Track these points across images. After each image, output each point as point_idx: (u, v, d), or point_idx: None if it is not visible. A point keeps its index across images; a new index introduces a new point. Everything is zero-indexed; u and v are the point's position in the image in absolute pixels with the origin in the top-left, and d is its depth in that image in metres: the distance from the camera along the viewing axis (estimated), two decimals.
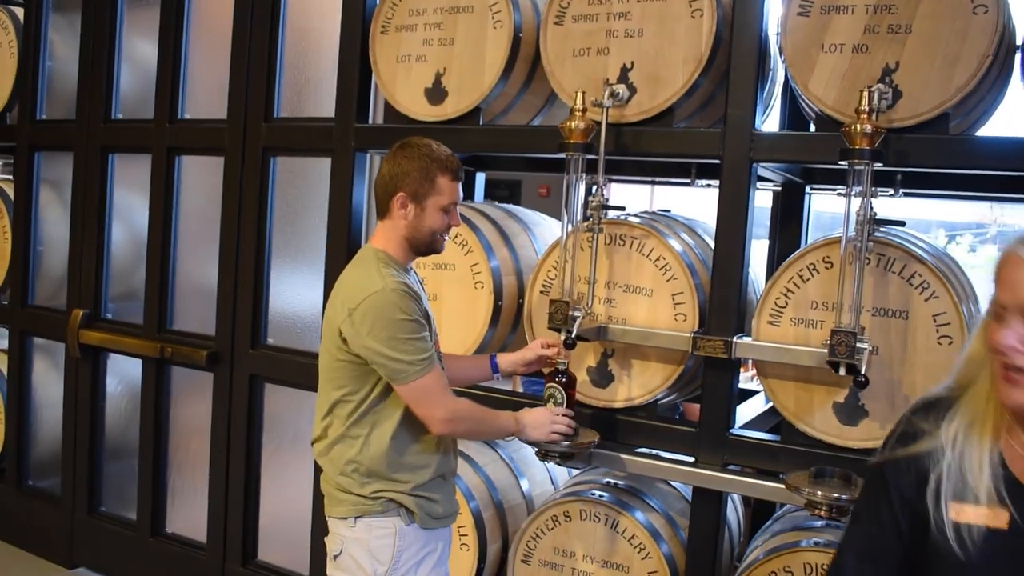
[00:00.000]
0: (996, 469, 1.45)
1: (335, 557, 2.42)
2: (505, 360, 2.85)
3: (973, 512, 1.45)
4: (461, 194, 2.51)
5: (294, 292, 3.85)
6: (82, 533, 4.37)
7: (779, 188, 3.66)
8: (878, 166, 2.43)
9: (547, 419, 2.64)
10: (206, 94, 4.02)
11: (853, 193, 2.45)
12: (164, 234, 4.07)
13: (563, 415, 2.69)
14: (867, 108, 2.38)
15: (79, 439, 4.35)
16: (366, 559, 2.35)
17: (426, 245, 2.47)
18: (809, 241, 3.55)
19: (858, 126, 2.37)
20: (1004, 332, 1.39)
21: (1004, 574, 1.43)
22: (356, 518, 2.37)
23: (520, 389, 6.47)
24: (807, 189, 3.58)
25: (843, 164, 2.44)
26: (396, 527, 2.37)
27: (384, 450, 2.37)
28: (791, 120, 3.49)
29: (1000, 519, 1.42)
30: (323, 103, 3.67)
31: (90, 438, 4.33)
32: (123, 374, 4.39)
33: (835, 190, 3.70)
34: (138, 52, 4.33)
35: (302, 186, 3.84)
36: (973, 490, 1.45)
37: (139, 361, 4.16)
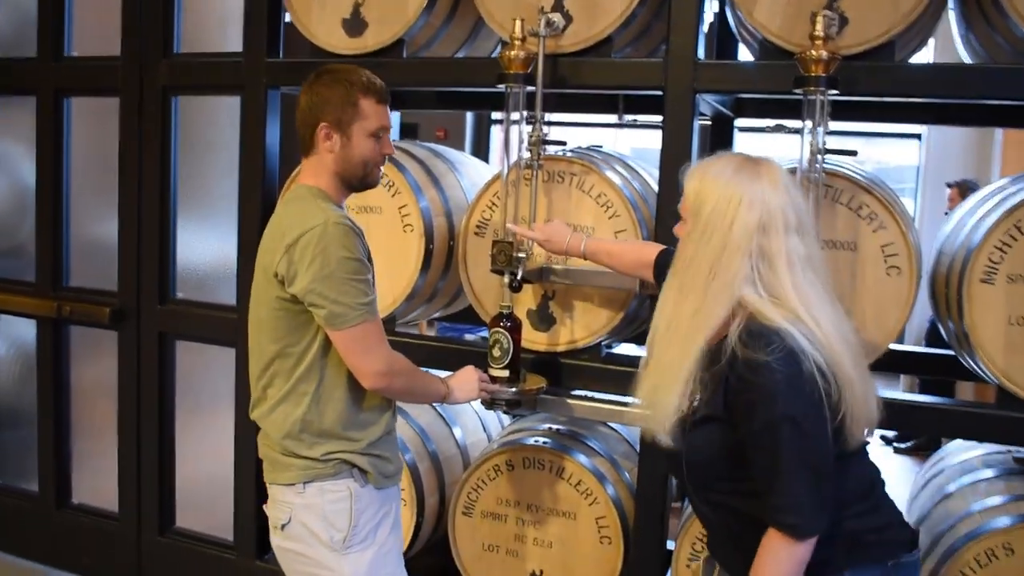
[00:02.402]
0: None
1: (282, 527, 2.22)
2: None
3: None
4: (391, 120, 2.30)
5: (204, 243, 3.59)
6: None
7: (708, 122, 3.57)
8: (832, 94, 2.36)
9: (474, 378, 2.49)
10: (98, 28, 3.67)
11: (807, 128, 2.37)
12: (56, 184, 3.73)
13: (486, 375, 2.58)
14: (821, 33, 2.30)
15: None
16: (320, 526, 2.18)
17: (359, 178, 2.25)
18: None
19: (813, 52, 2.29)
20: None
21: None
22: (306, 483, 2.18)
23: (432, 334, 6.32)
24: (735, 123, 3.52)
25: (797, 93, 2.36)
26: (351, 490, 2.19)
27: (337, 406, 2.19)
28: (718, 49, 3.39)
29: None
30: (230, 37, 3.39)
31: None
32: (12, 336, 4.06)
33: (761, 125, 3.67)
34: None
35: (208, 128, 3.56)
36: None
37: (32, 322, 3.85)
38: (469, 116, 9.58)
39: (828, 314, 1.78)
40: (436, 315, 3.69)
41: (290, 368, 2.18)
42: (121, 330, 3.62)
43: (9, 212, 4.03)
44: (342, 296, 2.08)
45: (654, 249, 2.43)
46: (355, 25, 3.04)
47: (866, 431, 1.86)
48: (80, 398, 3.89)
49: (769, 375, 1.67)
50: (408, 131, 9.56)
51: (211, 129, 3.56)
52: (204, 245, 3.60)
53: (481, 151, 9.41)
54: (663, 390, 1.79)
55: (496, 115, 7.53)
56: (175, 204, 3.52)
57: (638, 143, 8.13)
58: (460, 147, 9.55)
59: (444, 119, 9.87)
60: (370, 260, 2.22)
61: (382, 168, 2.30)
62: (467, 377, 2.49)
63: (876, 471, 1.93)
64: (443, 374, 2.48)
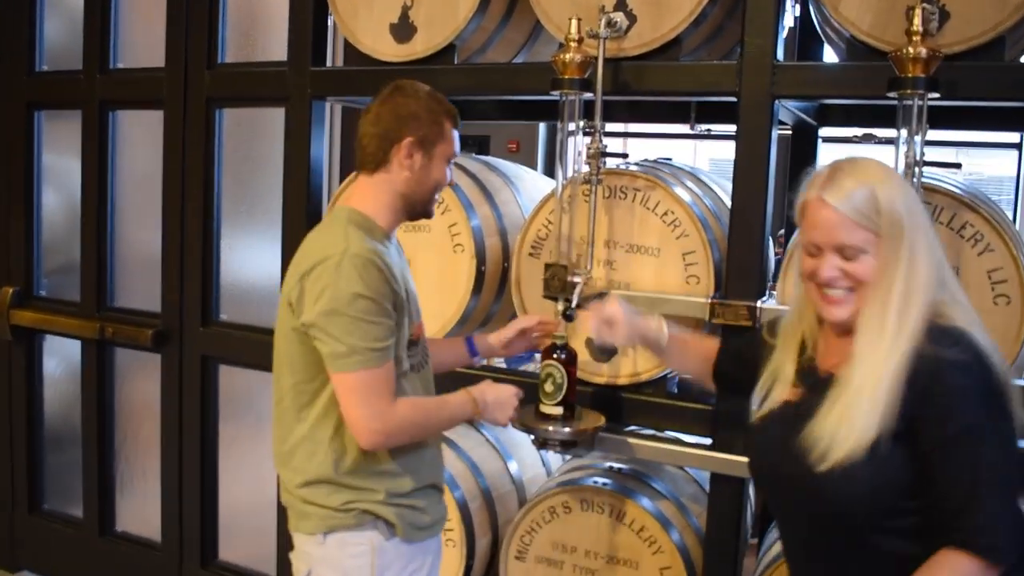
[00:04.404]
0: (805, 362, 1.74)
1: None
2: (483, 342, 2.45)
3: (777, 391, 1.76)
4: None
5: (249, 261, 3.43)
6: (25, 533, 3.96)
7: (788, 132, 3.28)
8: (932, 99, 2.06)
9: (511, 399, 2.19)
10: (146, 39, 3.53)
11: (902, 137, 2.08)
12: (100, 200, 3.61)
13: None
14: (920, 28, 2.01)
15: (16, 430, 3.93)
16: None
17: (424, 204, 2.09)
18: None
19: (910, 50, 2.00)
20: (824, 266, 1.60)
21: (778, 429, 1.70)
22: (326, 534, 1.98)
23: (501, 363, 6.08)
24: (819, 132, 3.21)
25: (891, 97, 2.07)
26: (373, 543, 1.97)
27: (357, 453, 1.97)
28: (800, 52, 3.10)
29: (795, 394, 1.72)
30: (275, 45, 3.23)
31: (28, 429, 3.91)
32: (65, 354, 3.96)
33: (847, 135, 3.37)
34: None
35: (254, 141, 3.40)
36: (782, 376, 1.76)
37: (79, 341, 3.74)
38: (542, 127, 9.33)
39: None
40: None
41: (304, 407, 1.99)
42: (164, 353, 3.47)
43: (64, 228, 3.92)
44: (345, 336, 1.87)
45: (712, 344, 2.21)
46: (403, 30, 2.84)
47: None
48: (128, 420, 3.77)
49: (964, 375, 1.51)
50: (480, 143, 9.33)
51: (257, 141, 3.40)
52: (248, 264, 3.44)
53: (554, 164, 9.14)
54: (867, 401, 1.53)
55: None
56: (219, 221, 3.37)
57: (717, 154, 7.81)
58: (533, 160, 9.29)
59: (517, 130, 9.62)
60: (398, 298, 1.98)
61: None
62: (504, 397, 2.18)
63: None
64: None
